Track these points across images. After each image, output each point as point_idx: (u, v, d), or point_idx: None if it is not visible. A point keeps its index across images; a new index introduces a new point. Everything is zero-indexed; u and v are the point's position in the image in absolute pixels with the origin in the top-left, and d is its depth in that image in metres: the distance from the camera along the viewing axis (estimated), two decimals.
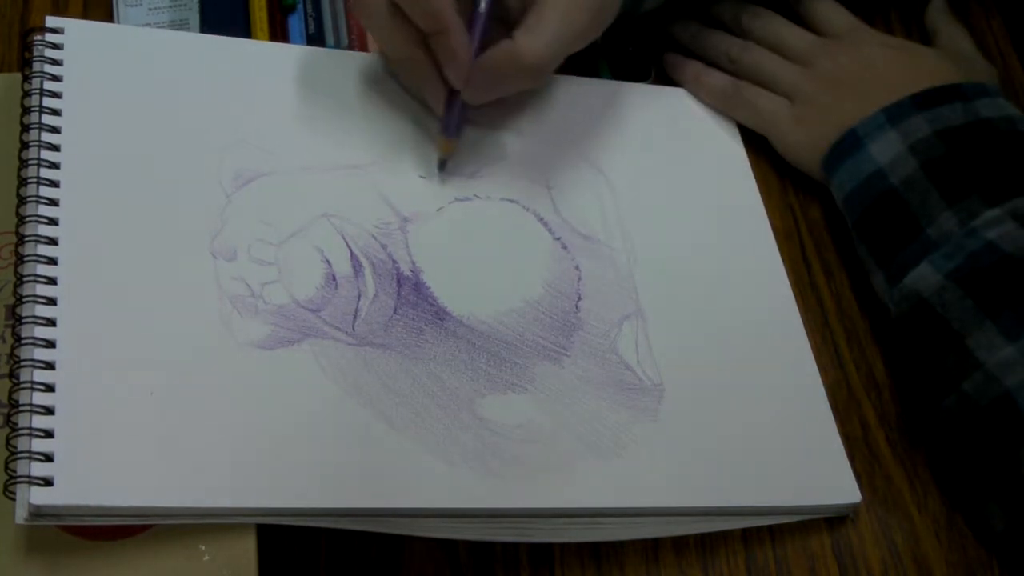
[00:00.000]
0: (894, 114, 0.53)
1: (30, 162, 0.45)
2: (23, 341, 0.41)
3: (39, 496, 0.39)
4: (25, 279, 0.43)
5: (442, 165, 0.53)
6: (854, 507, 0.49)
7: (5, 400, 0.41)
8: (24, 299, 0.42)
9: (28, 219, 0.44)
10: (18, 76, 0.48)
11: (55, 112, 0.47)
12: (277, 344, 0.45)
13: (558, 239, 0.53)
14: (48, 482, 0.39)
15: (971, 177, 0.51)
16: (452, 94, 0.51)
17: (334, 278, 0.48)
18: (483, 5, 0.50)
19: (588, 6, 0.51)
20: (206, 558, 0.41)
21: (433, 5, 0.48)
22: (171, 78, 0.51)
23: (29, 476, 0.39)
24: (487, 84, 0.51)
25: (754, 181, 0.58)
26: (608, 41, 0.57)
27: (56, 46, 0.49)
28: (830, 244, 0.57)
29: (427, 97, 0.52)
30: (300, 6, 0.59)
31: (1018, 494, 0.46)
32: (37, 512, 0.39)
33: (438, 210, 0.52)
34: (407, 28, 0.49)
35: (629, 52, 0.61)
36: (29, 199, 0.44)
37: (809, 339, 0.53)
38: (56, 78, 0.48)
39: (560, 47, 0.51)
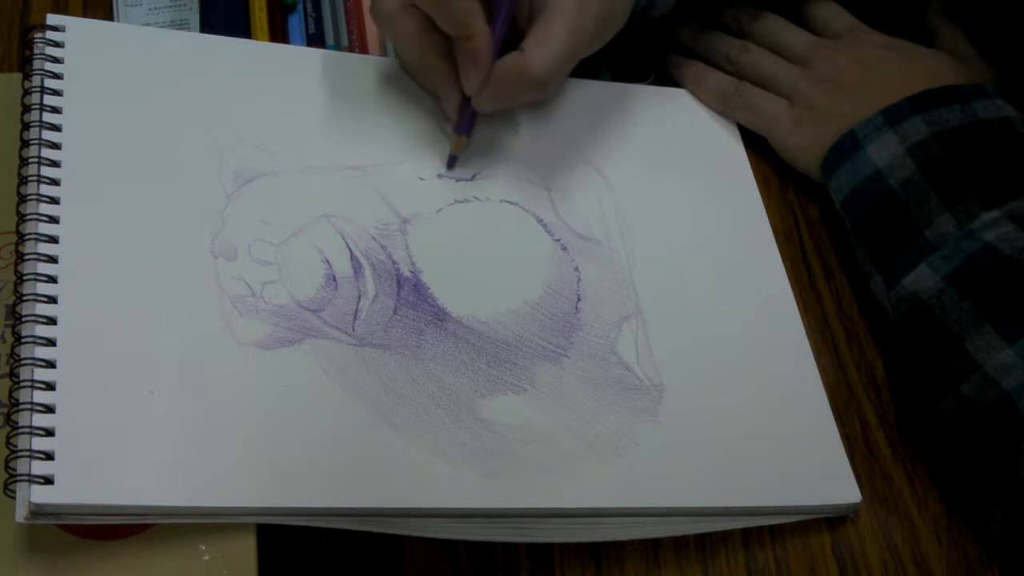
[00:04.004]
0: (892, 116, 0.53)
1: (31, 161, 0.45)
2: (23, 339, 0.41)
3: (39, 495, 0.38)
4: (25, 277, 0.43)
5: (451, 163, 0.53)
6: (854, 507, 0.49)
7: (5, 399, 0.41)
8: (24, 297, 0.42)
9: (29, 217, 0.44)
10: (18, 75, 0.48)
11: (56, 111, 0.47)
12: (277, 344, 0.45)
13: (558, 240, 0.53)
14: (48, 480, 0.39)
15: (969, 179, 0.51)
16: (466, 96, 0.52)
17: (334, 278, 0.48)
18: (503, 15, 0.51)
19: (596, 16, 0.51)
20: (206, 558, 0.41)
21: (465, 10, 0.48)
22: (171, 78, 0.51)
23: (29, 475, 0.39)
24: (497, 94, 0.51)
25: (754, 181, 0.58)
26: (608, 42, 0.57)
27: (57, 44, 0.49)
28: (830, 244, 0.57)
29: (442, 100, 0.53)
30: (300, 6, 0.59)
31: (1017, 496, 0.46)
32: (37, 511, 0.38)
33: (438, 211, 0.52)
34: (431, 36, 0.50)
35: (629, 53, 0.61)
36: (30, 198, 0.44)
37: (809, 339, 0.53)
38: (57, 76, 0.48)
39: (568, 59, 0.51)
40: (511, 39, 0.52)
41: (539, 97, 0.53)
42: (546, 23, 0.50)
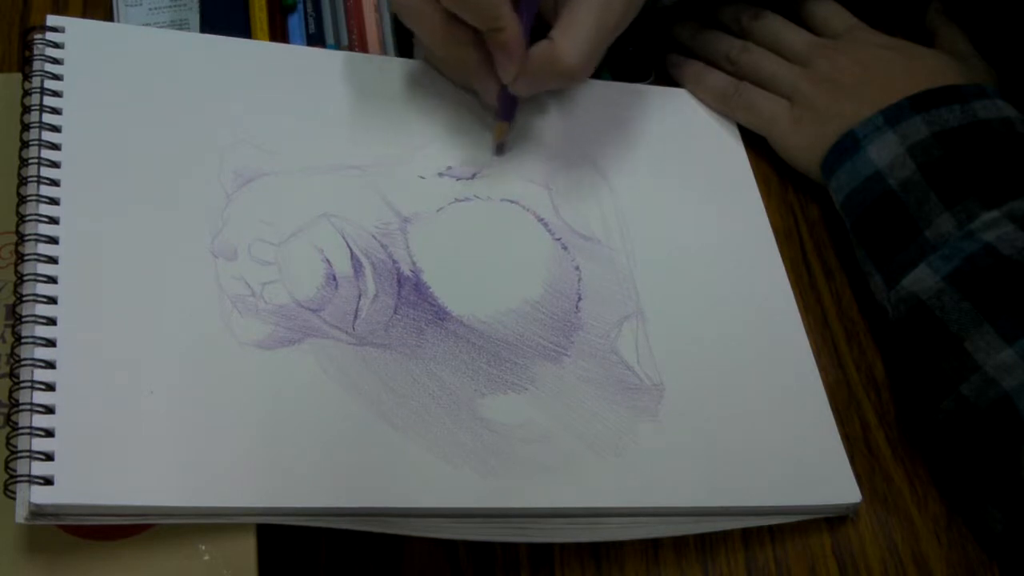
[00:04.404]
0: (892, 116, 0.53)
1: (30, 161, 0.45)
2: (23, 340, 0.41)
3: (39, 495, 0.38)
4: (25, 278, 0.43)
5: (500, 149, 0.54)
6: (854, 507, 0.49)
7: (5, 399, 0.41)
8: (24, 298, 0.42)
9: (28, 218, 0.44)
10: (18, 76, 0.48)
11: (55, 111, 0.47)
12: (277, 344, 0.45)
13: (558, 239, 0.53)
14: (48, 481, 0.39)
15: (969, 179, 0.51)
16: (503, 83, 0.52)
17: (334, 278, 0.48)
18: (528, 2, 0.50)
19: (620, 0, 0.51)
20: (206, 558, 0.41)
21: (491, 4, 0.48)
22: (171, 78, 0.51)
23: (29, 475, 0.39)
24: (531, 81, 0.51)
25: (754, 181, 0.58)
26: None
27: (57, 45, 0.49)
28: (830, 244, 0.57)
29: (479, 91, 0.53)
30: (300, 6, 0.59)
31: (1017, 496, 0.46)
32: (37, 511, 0.39)
33: (438, 210, 0.52)
34: (459, 30, 0.50)
35: (629, 53, 0.61)
36: (30, 198, 0.44)
37: (809, 339, 0.53)
38: (57, 77, 0.48)
39: (598, 45, 0.51)
40: (536, 26, 0.51)
41: (570, 84, 0.53)
42: (573, 10, 0.50)
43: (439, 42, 0.51)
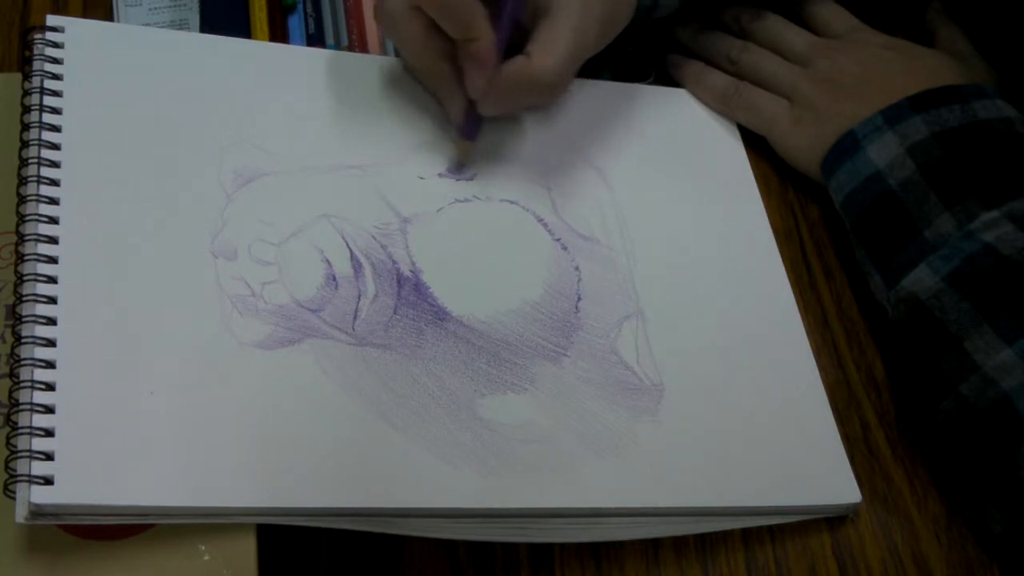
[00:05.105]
0: (892, 116, 0.53)
1: (30, 161, 0.45)
2: (23, 340, 0.41)
3: (39, 495, 0.39)
4: (25, 278, 0.43)
5: (459, 168, 0.53)
6: (854, 507, 0.49)
7: (5, 399, 0.41)
8: (24, 298, 0.42)
9: (28, 218, 0.44)
10: (18, 76, 0.48)
11: (55, 111, 0.47)
12: (277, 344, 0.45)
13: (558, 240, 0.53)
14: (48, 481, 0.39)
15: (969, 179, 0.51)
16: (471, 100, 0.52)
17: (334, 278, 0.48)
18: (506, 18, 0.51)
19: (599, 17, 0.51)
20: (206, 558, 0.41)
21: (468, 13, 0.48)
22: (171, 78, 0.51)
23: (29, 475, 0.39)
24: (503, 98, 0.51)
25: (754, 181, 0.58)
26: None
27: (57, 45, 0.49)
28: (830, 244, 0.57)
29: (446, 105, 0.53)
30: (300, 6, 0.59)
31: (1016, 497, 0.46)
32: (37, 511, 0.39)
33: (438, 211, 0.52)
34: (435, 39, 0.50)
35: (629, 53, 0.61)
36: (29, 198, 0.44)
37: (809, 339, 0.53)
38: (56, 77, 0.48)
39: (573, 63, 0.51)
40: (515, 41, 0.52)
41: (545, 101, 0.53)
42: (551, 26, 0.50)
43: (418, 53, 0.51)
